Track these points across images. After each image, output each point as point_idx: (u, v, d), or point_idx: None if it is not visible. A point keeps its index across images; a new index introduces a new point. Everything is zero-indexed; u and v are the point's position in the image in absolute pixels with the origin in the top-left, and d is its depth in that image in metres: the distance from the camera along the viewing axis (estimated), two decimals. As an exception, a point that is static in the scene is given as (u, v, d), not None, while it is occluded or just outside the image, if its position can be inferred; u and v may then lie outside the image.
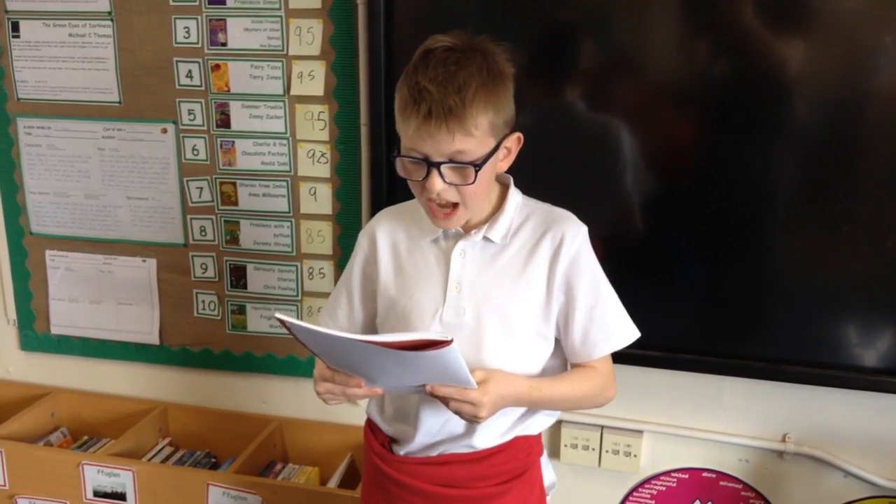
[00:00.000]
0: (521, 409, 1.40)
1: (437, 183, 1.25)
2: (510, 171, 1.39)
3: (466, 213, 1.32)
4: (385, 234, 1.44)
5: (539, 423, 1.43)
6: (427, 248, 1.40)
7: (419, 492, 1.40)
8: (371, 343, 1.14)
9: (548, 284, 1.35)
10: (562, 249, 1.34)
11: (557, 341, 1.41)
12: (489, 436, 1.38)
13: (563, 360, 1.43)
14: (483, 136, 1.24)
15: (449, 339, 1.11)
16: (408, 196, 1.49)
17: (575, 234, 1.36)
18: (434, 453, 1.40)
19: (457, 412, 1.26)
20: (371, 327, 1.49)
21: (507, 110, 1.28)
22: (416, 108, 1.21)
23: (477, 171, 1.25)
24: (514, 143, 1.33)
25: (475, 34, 1.29)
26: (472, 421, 1.27)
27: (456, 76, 1.21)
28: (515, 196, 1.40)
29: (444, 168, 1.25)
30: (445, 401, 1.25)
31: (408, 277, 1.40)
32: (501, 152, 1.31)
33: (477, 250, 1.37)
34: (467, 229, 1.37)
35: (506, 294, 1.34)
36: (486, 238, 1.36)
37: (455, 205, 1.29)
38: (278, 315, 1.18)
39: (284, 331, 2.19)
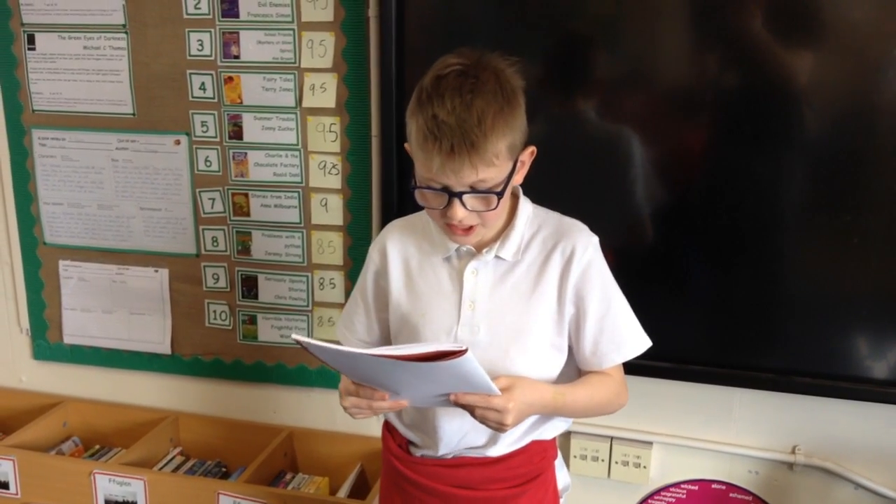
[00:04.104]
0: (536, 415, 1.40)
1: (458, 212, 1.26)
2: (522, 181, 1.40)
3: (484, 231, 1.34)
4: (396, 248, 1.45)
5: (553, 429, 1.44)
6: (439, 265, 1.40)
7: (435, 493, 1.41)
8: (387, 357, 1.14)
9: (559, 296, 1.36)
10: (573, 261, 1.35)
11: (571, 349, 1.42)
12: (505, 444, 1.39)
13: (575, 368, 1.44)
14: (503, 161, 1.26)
15: (463, 348, 1.11)
16: (417, 207, 1.50)
17: (586, 245, 1.36)
18: (450, 456, 1.42)
19: (482, 420, 1.25)
20: (389, 337, 1.50)
21: (521, 128, 1.29)
22: (437, 144, 1.21)
23: (500, 198, 1.26)
24: (527, 156, 1.34)
25: (484, 49, 1.29)
26: (498, 429, 1.26)
27: (473, 106, 1.21)
28: (526, 207, 1.40)
29: (465, 197, 1.25)
30: (471, 409, 1.24)
31: (420, 294, 1.41)
32: (517, 166, 1.32)
33: (489, 268, 1.37)
34: (479, 247, 1.37)
35: (519, 310, 1.35)
36: (497, 256, 1.37)
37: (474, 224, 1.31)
38: (295, 336, 1.18)
39: (294, 341, 2.22)
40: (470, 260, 1.37)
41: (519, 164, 1.32)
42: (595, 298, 1.36)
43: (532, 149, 1.34)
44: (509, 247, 1.36)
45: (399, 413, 1.48)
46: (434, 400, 1.28)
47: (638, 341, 1.41)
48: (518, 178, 1.35)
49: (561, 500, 1.51)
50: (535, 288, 1.36)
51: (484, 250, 1.36)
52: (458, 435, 1.39)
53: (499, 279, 1.37)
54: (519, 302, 1.36)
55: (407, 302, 1.42)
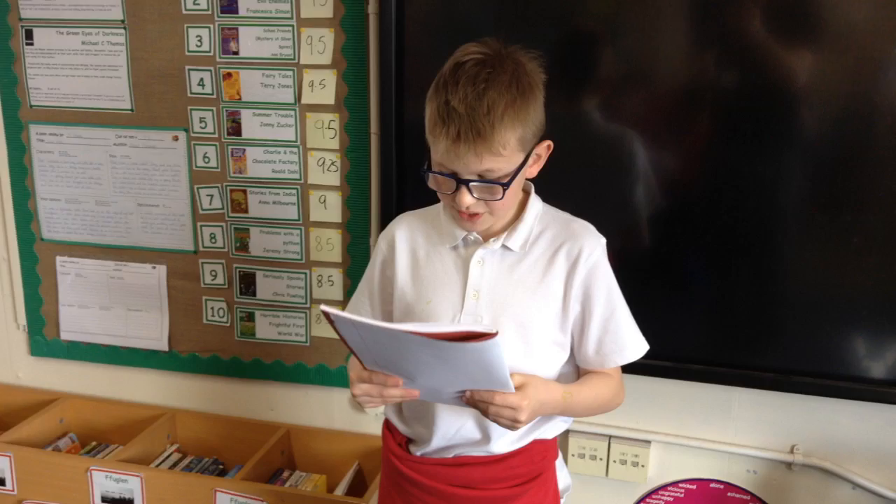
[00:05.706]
0: None
1: (466, 198, 1.27)
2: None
3: (492, 219, 1.34)
4: (404, 237, 1.45)
5: (554, 428, 1.44)
6: (446, 254, 1.41)
7: (435, 492, 1.41)
8: (414, 333, 1.12)
9: (564, 294, 1.36)
10: (580, 261, 1.35)
11: (571, 348, 1.42)
12: (505, 442, 1.39)
13: (575, 367, 1.44)
14: (512, 152, 1.26)
15: (494, 331, 1.10)
16: (416, 205, 1.50)
17: (594, 246, 1.37)
18: (450, 455, 1.41)
19: (495, 417, 1.25)
20: None
21: (536, 122, 1.28)
22: (444, 130, 1.23)
23: (505, 189, 1.26)
24: (544, 150, 1.34)
25: (507, 41, 1.29)
26: (510, 427, 1.26)
27: (484, 96, 1.21)
28: (536, 204, 1.40)
29: (472, 184, 1.26)
30: (485, 407, 1.24)
31: (425, 282, 1.41)
32: (531, 159, 1.32)
33: (496, 258, 1.37)
34: (486, 237, 1.38)
35: (524, 303, 1.35)
36: (504, 246, 1.37)
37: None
38: (323, 307, 1.17)
39: (293, 338, 2.22)
40: (477, 249, 1.38)
41: (533, 157, 1.32)
42: (601, 299, 1.37)
43: (548, 143, 1.34)
44: (517, 238, 1.37)
45: (398, 407, 1.48)
46: (446, 394, 1.27)
47: (639, 345, 1.41)
48: (533, 171, 1.35)
49: (562, 501, 1.51)
50: (540, 282, 1.36)
51: (491, 239, 1.37)
52: (454, 427, 1.38)
53: (505, 271, 1.37)
54: (524, 295, 1.36)
55: (412, 289, 1.42)
